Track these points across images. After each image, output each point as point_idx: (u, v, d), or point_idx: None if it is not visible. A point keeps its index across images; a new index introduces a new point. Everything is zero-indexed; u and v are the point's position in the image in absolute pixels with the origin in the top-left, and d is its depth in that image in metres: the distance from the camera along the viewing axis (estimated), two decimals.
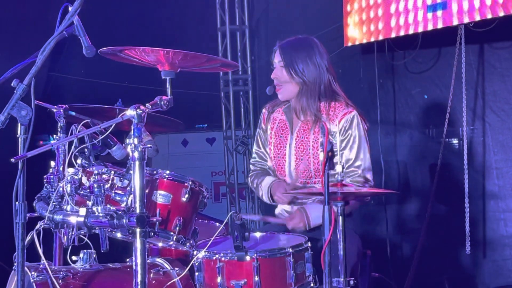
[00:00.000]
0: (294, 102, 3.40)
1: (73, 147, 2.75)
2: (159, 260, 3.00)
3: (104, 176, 2.66)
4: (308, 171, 3.33)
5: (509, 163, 4.92)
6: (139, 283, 2.38)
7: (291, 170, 3.40)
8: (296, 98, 3.36)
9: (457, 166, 4.94)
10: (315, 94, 3.31)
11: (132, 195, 2.43)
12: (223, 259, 2.70)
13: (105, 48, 2.61)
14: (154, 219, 2.58)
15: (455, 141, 5.32)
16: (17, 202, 2.45)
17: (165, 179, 2.74)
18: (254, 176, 3.58)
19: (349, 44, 5.50)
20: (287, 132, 3.44)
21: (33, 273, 2.72)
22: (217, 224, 3.67)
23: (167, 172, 2.75)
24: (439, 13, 4.63)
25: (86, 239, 2.71)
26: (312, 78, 3.30)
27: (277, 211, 3.54)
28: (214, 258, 2.71)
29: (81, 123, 2.79)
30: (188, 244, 2.78)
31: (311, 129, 3.33)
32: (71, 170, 2.71)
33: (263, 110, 3.60)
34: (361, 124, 3.30)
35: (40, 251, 2.71)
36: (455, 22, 4.55)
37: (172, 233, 2.70)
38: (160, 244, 2.96)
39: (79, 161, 2.77)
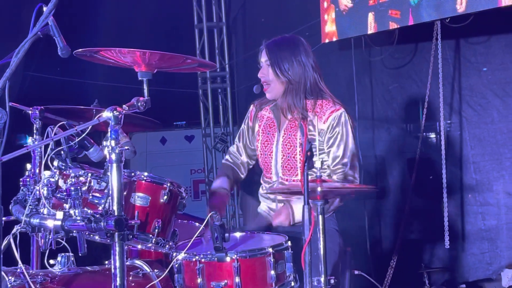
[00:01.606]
0: (280, 101, 3.41)
1: (49, 149, 2.70)
2: (138, 262, 2.98)
3: (81, 178, 2.62)
4: (294, 169, 3.34)
5: (486, 157, 4.95)
6: (118, 286, 2.36)
7: (278, 168, 3.40)
8: (282, 97, 3.38)
9: (435, 160, 4.97)
10: (300, 93, 3.32)
11: (110, 198, 2.40)
12: (203, 260, 2.68)
13: (80, 49, 2.57)
14: (133, 222, 2.55)
15: (432, 135, 5.35)
16: None
17: (143, 181, 2.71)
18: (222, 167, 3.65)
19: (327, 40, 5.50)
20: (275, 130, 3.45)
21: (10, 277, 2.68)
22: (197, 224, 3.66)
23: (145, 174, 2.73)
24: (415, 9, 4.65)
25: (63, 242, 2.67)
26: (298, 77, 3.31)
27: (260, 209, 3.55)
28: (194, 259, 2.70)
29: (57, 125, 2.75)
30: (167, 246, 2.76)
31: (298, 127, 3.34)
32: (47, 173, 2.67)
33: (251, 107, 3.62)
34: (349, 122, 3.32)
35: (17, 255, 2.67)
36: (431, 18, 4.57)
37: (151, 235, 2.68)
38: (139, 246, 2.93)
39: (55, 163, 2.73)
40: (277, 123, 3.45)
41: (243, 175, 3.66)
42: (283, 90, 3.36)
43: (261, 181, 3.56)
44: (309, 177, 2.53)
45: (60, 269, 2.82)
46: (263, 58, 3.40)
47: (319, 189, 2.55)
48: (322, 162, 2.61)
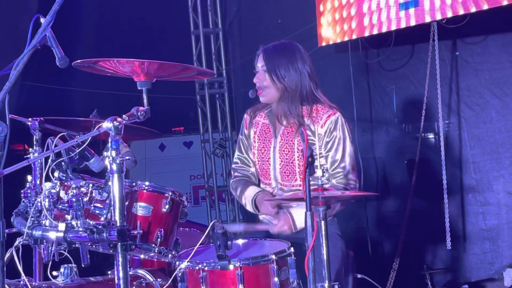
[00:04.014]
0: (275, 107, 3.40)
1: (49, 160, 2.69)
2: (141, 271, 2.96)
3: (82, 189, 2.61)
4: (293, 174, 3.33)
5: (485, 156, 4.96)
6: None
7: (276, 174, 3.39)
8: (277, 103, 3.37)
9: (435, 161, 4.98)
10: (295, 100, 3.32)
11: (111, 208, 2.40)
12: (206, 268, 2.68)
13: (79, 61, 2.57)
14: (135, 232, 2.55)
15: (431, 136, 5.35)
16: None
17: (145, 191, 2.70)
18: (237, 182, 3.56)
19: (323, 44, 5.51)
20: (271, 136, 3.44)
21: None
22: (199, 232, 3.65)
23: (147, 183, 2.72)
24: (412, 10, 4.66)
25: (66, 253, 2.66)
26: (293, 84, 3.31)
27: (261, 216, 3.53)
28: (197, 268, 2.70)
29: (57, 136, 2.74)
30: (170, 255, 2.75)
31: (296, 133, 3.33)
32: (48, 184, 2.66)
33: (245, 116, 3.60)
34: (345, 125, 3.32)
35: (20, 267, 2.66)
36: (428, 19, 4.59)
37: (153, 245, 2.67)
38: (142, 256, 2.93)
39: (56, 174, 2.72)
40: (273, 128, 3.44)
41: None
42: (278, 96, 3.35)
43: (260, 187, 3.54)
44: (311, 186, 2.52)
45: (63, 280, 2.81)
46: (260, 63, 3.39)
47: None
48: (323, 171, 2.60)
